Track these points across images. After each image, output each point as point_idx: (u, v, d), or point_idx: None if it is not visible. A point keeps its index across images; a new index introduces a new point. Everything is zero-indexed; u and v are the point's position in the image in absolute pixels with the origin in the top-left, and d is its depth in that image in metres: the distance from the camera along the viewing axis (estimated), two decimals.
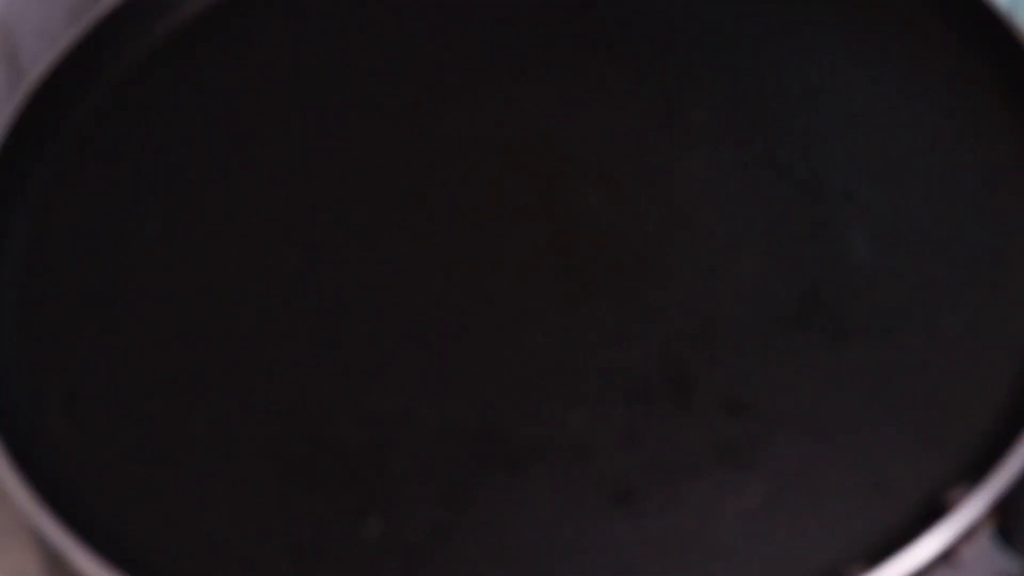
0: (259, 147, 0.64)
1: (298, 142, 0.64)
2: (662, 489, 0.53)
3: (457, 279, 0.59)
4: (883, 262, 0.58)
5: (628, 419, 0.55)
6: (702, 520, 0.53)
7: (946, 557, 0.51)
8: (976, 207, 0.60)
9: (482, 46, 0.67)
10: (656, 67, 0.63)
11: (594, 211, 0.61)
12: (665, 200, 0.60)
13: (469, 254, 0.60)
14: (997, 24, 0.63)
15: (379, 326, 0.58)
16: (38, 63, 0.65)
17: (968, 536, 0.52)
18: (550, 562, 0.52)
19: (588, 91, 0.62)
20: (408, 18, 0.68)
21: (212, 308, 0.59)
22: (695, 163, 0.61)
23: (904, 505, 0.52)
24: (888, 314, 0.57)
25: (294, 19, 0.68)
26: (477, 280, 0.59)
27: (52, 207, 0.63)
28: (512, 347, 0.57)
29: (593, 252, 0.60)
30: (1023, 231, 0.59)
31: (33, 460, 0.54)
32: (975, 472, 0.52)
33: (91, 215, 0.62)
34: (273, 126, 0.65)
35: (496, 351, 0.57)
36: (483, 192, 0.62)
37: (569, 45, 0.66)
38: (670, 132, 0.63)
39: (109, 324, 0.59)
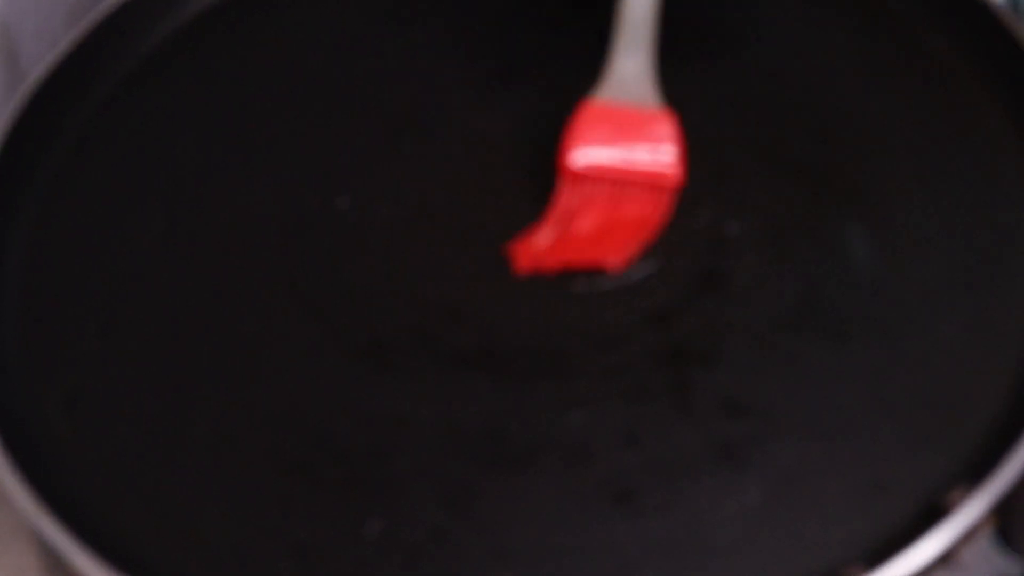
0: (259, 147, 0.64)
1: (298, 142, 0.64)
2: (662, 489, 0.53)
3: (457, 278, 0.59)
4: (883, 262, 0.58)
5: (628, 419, 0.55)
6: (702, 520, 0.53)
7: (946, 558, 0.51)
8: (976, 208, 0.60)
9: (481, 46, 0.67)
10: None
11: None
12: None
13: (469, 253, 0.60)
14: (997, 24, 0.63)
15: (379, 326, 0.58)
16: (38, 63, 0.65)
17: (968, 537, 0.52)
18: (550, 562, 0.52)
19: (588, 91, 0.62)
20: (408, 18, 0.68)
21: (212, 308, 0.59)
22: (695, 163, 0.61)
23: (904, 505, 0.52)
24: (888, 314, 0.57)
25: (294, 19, 0.68)
26: (477, 279, 0.59)
27: (52, 207, 0.63)
28: (512, 347, 0.57)
29: None
30: (1022, 232, 0.59)
31: (33, 460, 0.54)
32: (975, 473, 0.52)
33: (91, 215, 0.62)
34: (273, 126, 0.65)
35: (496, 352, 0.57)
36: (482, 191, 0.62)
37: (569, 45, 0.66)
38: None
39: (109, 324, 0.59)
